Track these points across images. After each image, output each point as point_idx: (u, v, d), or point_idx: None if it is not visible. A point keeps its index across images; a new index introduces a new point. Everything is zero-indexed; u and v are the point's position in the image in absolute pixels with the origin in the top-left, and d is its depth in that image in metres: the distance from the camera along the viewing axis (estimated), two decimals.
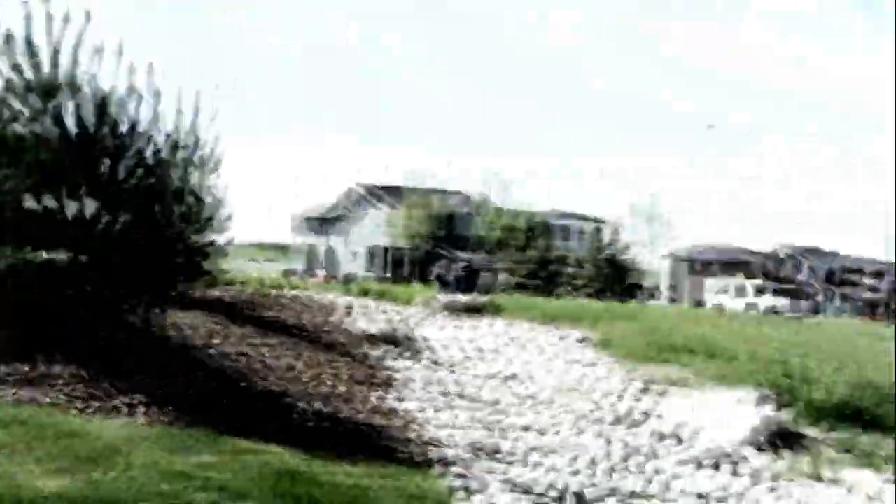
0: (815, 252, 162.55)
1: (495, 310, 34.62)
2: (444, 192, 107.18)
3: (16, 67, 13.94)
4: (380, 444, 13.20)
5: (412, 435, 14.34)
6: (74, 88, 14.44)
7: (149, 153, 15.39)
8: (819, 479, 12.72)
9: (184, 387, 13.28)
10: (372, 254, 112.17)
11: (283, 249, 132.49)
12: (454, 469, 12.29)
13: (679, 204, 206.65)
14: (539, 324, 30.17)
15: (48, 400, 11.16)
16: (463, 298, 37.35)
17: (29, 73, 14.12)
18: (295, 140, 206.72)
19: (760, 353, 20.54)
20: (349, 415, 14.84)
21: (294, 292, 34.33)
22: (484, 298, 38.55)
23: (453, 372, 21.66)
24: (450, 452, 13.30)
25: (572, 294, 66.06)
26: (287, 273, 78.55)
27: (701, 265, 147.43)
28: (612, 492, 12.35)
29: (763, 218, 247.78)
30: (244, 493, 8.76)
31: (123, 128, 15.03)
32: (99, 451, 9.06)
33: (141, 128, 15.23)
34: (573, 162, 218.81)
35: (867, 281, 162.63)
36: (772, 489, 12.29)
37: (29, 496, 7.40)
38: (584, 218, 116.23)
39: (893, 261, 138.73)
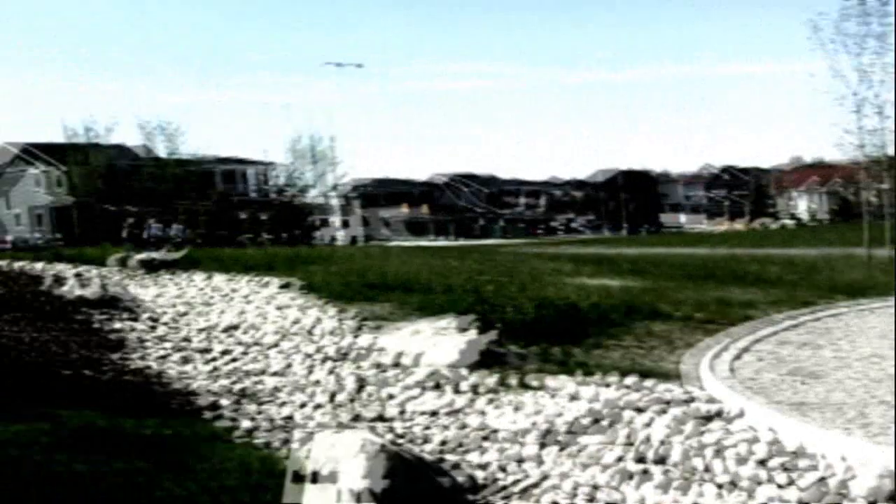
0: (471, 178, 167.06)
1: (190, 264, 35.58)
2: (103, 146, 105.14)
3: None
4: (147, 400, 14.56)
5: (169, 389, 15.78)
6: None
7: None
8: (526, 387, 14.54)
9: None
10: (38, 215, 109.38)
11: None
12: (223, 413, 13.95)
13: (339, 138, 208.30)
14: (236, 273, 31.31)
15: None
16: (157, 255, 38.08)
17: None
18: None
19: (453, 284, 22.31)
20: (107, 377, 16.06)
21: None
22: (176, 254, 39.30)
23: (177, 329, 22.78)
24: (208, 400, 14.83)
25: (253, 242, 66.70)
26: None
27: (368, 200, 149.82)
28: (357, 419, 14.09)
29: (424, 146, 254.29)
30: (65, 447, 10.08)
31: None
32: None
33: None
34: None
35: (524, 201, 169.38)
36: (490, 400, 14.05)
37: None
38: (247, 162, 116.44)
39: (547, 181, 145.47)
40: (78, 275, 33.06)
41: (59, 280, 29.74)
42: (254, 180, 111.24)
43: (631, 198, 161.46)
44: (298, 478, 7.90)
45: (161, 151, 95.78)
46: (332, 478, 7.57)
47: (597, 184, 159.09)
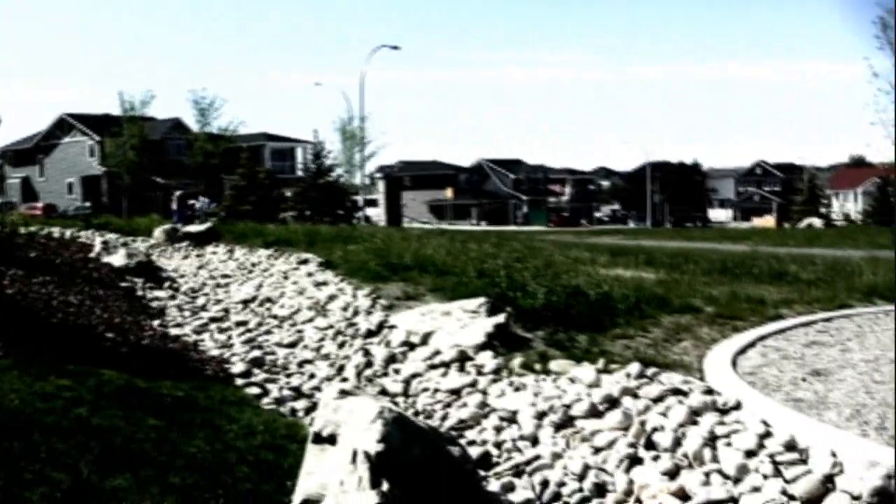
0: (513, 163, 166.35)
1: (234, 239, 36.29)
2: (153, 119, 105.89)
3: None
4: (183, 364, 15.39)
5: (205, 356, 16.66)
6: None
7: None
8: (547, 372, 15.03)
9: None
10: (88, 184, 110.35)
11: None
12: (253, 380, 14.82)
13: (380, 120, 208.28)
14: (276, 249, 32.03)
15: None
16: (199, 228, 38.83)
17: None
18: None
19: (487, 268, 22.80)
20: (146, 342, 16.90)
21: (47, 230, 35.30)
22: (214, 227, 40.07)
23: (217, 300, 23.67)
24: (241, 368, 15.66)
25: (295, 219, 67.09)
26: (7, 207, 77.50)
27: (411, 182, 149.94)
28: (381, 392, 14.83)
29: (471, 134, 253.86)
30: (104, 405, 10.84)
31: None
32: None
33: None
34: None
35: (569, 189, 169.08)
36: (510, 383, 14.61)
37: None
38: (294, 140, 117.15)
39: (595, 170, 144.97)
40: (125, 244, 34.09)
41: (107, 248, 30.59)
42: (301, 158, 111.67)
43: (677, 191, 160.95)
44: (319, 439, 8.56)
45: (211, 128, 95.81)
46: (347, 440, 8.21)
47: (643, 176, 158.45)
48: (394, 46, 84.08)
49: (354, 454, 7.88)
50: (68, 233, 38.31)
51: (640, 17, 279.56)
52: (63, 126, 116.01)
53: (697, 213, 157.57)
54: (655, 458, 10.53)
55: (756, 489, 9.32)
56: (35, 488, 7.64)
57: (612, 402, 12.42)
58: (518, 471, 11.01)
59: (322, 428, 8.57)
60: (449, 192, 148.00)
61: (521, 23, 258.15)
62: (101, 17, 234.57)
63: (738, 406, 11.53)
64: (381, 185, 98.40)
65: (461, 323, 17.68)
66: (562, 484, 10.35)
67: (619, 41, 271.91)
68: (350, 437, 8.09)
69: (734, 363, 14.25)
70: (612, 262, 26.23)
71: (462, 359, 15.89)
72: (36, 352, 13.36)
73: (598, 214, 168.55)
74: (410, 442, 8.07)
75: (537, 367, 14.94)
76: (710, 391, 12.34)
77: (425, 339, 17.40)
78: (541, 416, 12.59)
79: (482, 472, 10.75)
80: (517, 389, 14.02)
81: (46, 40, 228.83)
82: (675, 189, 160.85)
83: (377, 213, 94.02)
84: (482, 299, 18.63)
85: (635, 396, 12.54)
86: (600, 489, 10.16)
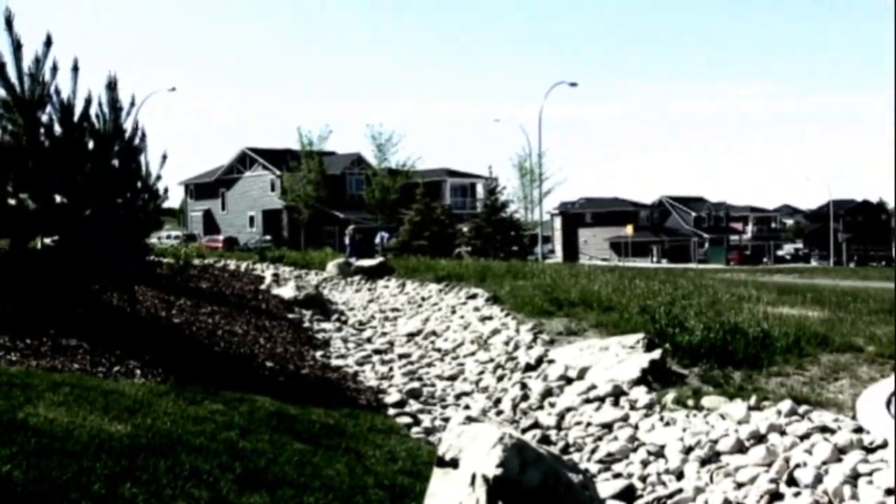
0: (694, 200, 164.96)
1: (407, 273, 36.88)
2: (333, 153, 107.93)
3: (9, 87, 16.06)
4: (339, 393, 15.94)
5: (361, 386, 17.21)
6: (44, 104, 16.54)
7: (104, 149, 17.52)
8: (699, 408, 15.11)
9: (163, 353, 15.62)
10: (269, 218, 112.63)
11: (173, 214, 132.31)
12: (406, 410, 15.29)
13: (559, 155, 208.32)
14: (446, 284, 32.46)
15: (77, 366, 13.51)
16: (372, 262, 39.52)
17: (4, 91, 16.23)
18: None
19: (651, 305, 22.83)
20: (305, 371, 17.53)
21: (223, 262, 36.46)
22: (387, 261, 40.71)
23: (383, 333, 24.28)
24: (395, 398, 16.14)
25: (468, 254, 67.56)
26: (188, 239, 79.80)
27: (591, 218, 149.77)
28: (534, 425, 15.15)
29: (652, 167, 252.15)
30: (253, 429, 11.37)
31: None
32: (135, 404, 11.48)
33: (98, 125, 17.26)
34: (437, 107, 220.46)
35: (751, 228, 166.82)
36: (661, 418, 14.74)
37: (105, 436, 9.76)
38: (472, 176, 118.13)
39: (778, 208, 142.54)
40: (297, 277, 35.04)
41: (277, 280, 31.46)
42: (480, 194, 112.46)
43: (861, 230, 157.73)
44: (442, 462, 8.91)
45: (389, 163, 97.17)
46: (468, 464, 8.54)
47: (826, 214, 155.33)
48: (572, 83, 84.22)
49: (473, 477, 8.20)
50: (243, 265, 39.59)
51: (835, 42, 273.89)
52: (244, 160, 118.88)
53: (881, 252, 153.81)
54: (796, 495, 10.62)
55: None
56: (174, 503, 8.12)
57: (759, 439, 12.53)
58: None
59: (445, 452, 8.92)
60: (629, 229, 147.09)
61: (703, 52, 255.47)
62: (278, 53, 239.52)
63: (884, 445, 11.51)
64: (557, 222, 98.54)
65: (618, 358, 17.87)
66: None
67: (806, 69, 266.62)
68: (471, 461, 8.41)
69: (889, 403, 14.12)
70: (778, 300, 25.98)
71: (616, 393, 16.07)
72: (195, 379, 13.99)
73: (780, 253, 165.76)
74: (529, 467, 8.34)
75: (689, 402, 15.04)
76: (859, 429, 12.33)
77: (582, 373, 17.64)
78: (688, 450, 12.76)
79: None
80: (667, 424, 14.16)
81: (221, 77, 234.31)
82: (859, 228, 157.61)
83: (547, 249, 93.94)
84: (640, 335, 18.83)
85: (782, 433, 12.60)
86: None
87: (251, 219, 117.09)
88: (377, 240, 63.63)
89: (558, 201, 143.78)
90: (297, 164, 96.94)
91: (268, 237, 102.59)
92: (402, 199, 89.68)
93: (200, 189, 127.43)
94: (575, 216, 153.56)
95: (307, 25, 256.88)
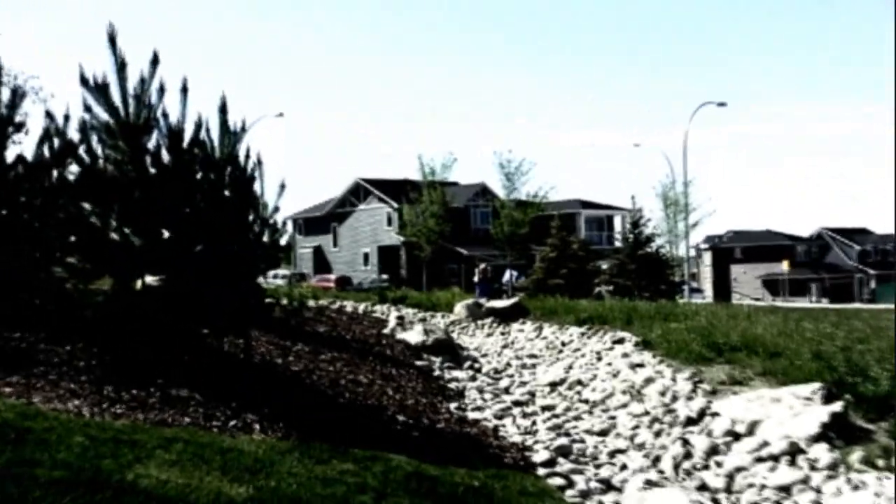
0: (857, 232, 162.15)
1: (544, 314, 36.55)
2: (455, 184, 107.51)
3: (112, 110, 16.02)
4: (480, 451, 15.62)
5: (504, 442, 16.87)
6: (151, 129, 16.47)
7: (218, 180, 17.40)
8: (893, 470, 14.57)
9: (283, 405, 15.48)
10: (385, 255, 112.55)
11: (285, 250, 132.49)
12: (557, 470, 14.91)
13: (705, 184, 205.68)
14: (588, 327, 32.03)
15: (188, 420, 13.39)
16: (505, 303, 39.22)
17: (107, 115, 16.17)
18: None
19: (824, 351, 22.27)
20: (441, 425, 17.25)
21: (338, 304, 36.41)
22: (521, 302, 40.37)
23: (522, 382, 23.94)
24: (544, 457, 15.76)
25: (609, 293, 66.87)
26: (297, 278, 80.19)
27: (741, 254, 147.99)
28: (701, 487, 14.69)
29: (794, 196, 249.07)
30: (390, 493, 11.08)
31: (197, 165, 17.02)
32: (256, 463, 11.29)
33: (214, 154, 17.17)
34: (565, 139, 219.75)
35: None
36: (848, 480, 14.25)
37: (226, 500, 9.56)
38: (611, 208, 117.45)
39: None
40: (423, 320, 34.84)
41: (402, 324, 31.26)
42: (619, 227, 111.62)
43: None
44: None
45: (519, 193, 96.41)
46: None
47: None
48: (720, 103, 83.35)
49: None
50: (361, 307, 39.39)
51: None
52: (358, 192, 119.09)
53: None
54: None
55: None
56: None
57: None
58: None
59: None
60: (785, 265, 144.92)
61: (866, 68, 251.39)
62: (392, 75, 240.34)
63: None
64: (706, 258, 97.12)
65: (793, 411, 17.39)
66: None
67: None
68: None
69: None
70: None
71: (793, 451, 15.62)
72: (320, 434, 13.77)
73: None
74: None
75: (880, 462, 14.55)
76: None
77: (751, 428, 17.20)
78: None
79: None
80: (856, 488, 13.70)
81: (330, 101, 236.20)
82: None
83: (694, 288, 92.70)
84: (817, 385, 18.32)
85: None
86: None
87: (366, 256, 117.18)
88: (505, 278, 63.31)
89: (703, 235, 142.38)
90: (417, 195, 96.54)
91: (384, 276, 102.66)
92: (532, 233, 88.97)
93: (310, 224, 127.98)
94: (724, 251, 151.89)
95: (419, 45, 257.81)
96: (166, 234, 16.60)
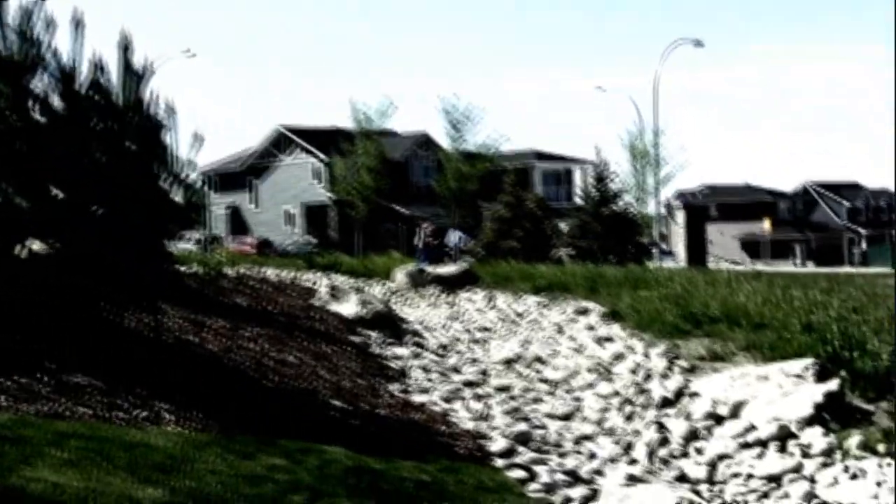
0: (841, 187, 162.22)
1: (496, 281, 36.48)
2: (394, 134, 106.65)
3: None
4: (429, 440, 15.45)
5: (455, 430, 16.70)
6: (36, 69, 16.00)
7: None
8: (893, 455, 14.57)
9: (200, 390, 15.28)
10: (312, 215, 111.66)
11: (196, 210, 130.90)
12: (516, 460, 14.77)
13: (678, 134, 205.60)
14: (547, 296, 31.99)
15: (87, 411, 13.13)
16: (452, 270, 39.14)
17: None
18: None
19: (815, 321, 22.25)
20: (383, 412, 17.06)
21: (260, 271, 36.12)
22: (470, 268, 40.29)
23: (472, 360, 23.76)
24: (501, 446, 15.58)
25: (570, 257, 66.82)
26: (212, 241, 79.70)
27: (717, 212, 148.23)
28: (680, 478, 14.61)
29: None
30: (327, 491, 10.90)
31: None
32: (170, 460, 11.11)
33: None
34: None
35: None
36: (845, 468, 14.25)
37: None
38: (567, 159, 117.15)
39: None
40: (358, 289, 34.58)
41: (335, 294, 31.02)
42: (580, 182, 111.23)
43: None
44: None
45: (467, 145, 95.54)
46: None
47: None
48: (696, 42, 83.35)
49: None
50: (286, 274, 38.94)
51: None
52: (281, 143, 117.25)
53: None
54: None
55: None
56: None
57: None
58: None
59: None
60: (766, 225, 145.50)
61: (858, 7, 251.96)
62: (322, 19, 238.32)
63: None
64: (679, 217, 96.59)
65: (782, 390, 17.45)
66: None
67: None
68: None
69: None
70: None
71: (783, 436, 15.69)
72: (243, 423, 13.58)
73: None
74: None
75: (880, 447, 14.57)
76: None
77: (736, 410, 17.25)
78: None
79: None
80: (854, 477, 13.75)
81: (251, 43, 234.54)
82: None
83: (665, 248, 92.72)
84: (809, 360, 18.37)
85: None
86: None
87: (290, 216, 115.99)
88: (452, 241, 63.18)
89: (673, 190, 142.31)
90: (349, 146, 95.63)
91: (312, 239, 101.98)
92: (482, 189, 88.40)
93: (224, 179, 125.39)
94: (698, 209, 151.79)
95: None
96: (57, 192, 16.19)
